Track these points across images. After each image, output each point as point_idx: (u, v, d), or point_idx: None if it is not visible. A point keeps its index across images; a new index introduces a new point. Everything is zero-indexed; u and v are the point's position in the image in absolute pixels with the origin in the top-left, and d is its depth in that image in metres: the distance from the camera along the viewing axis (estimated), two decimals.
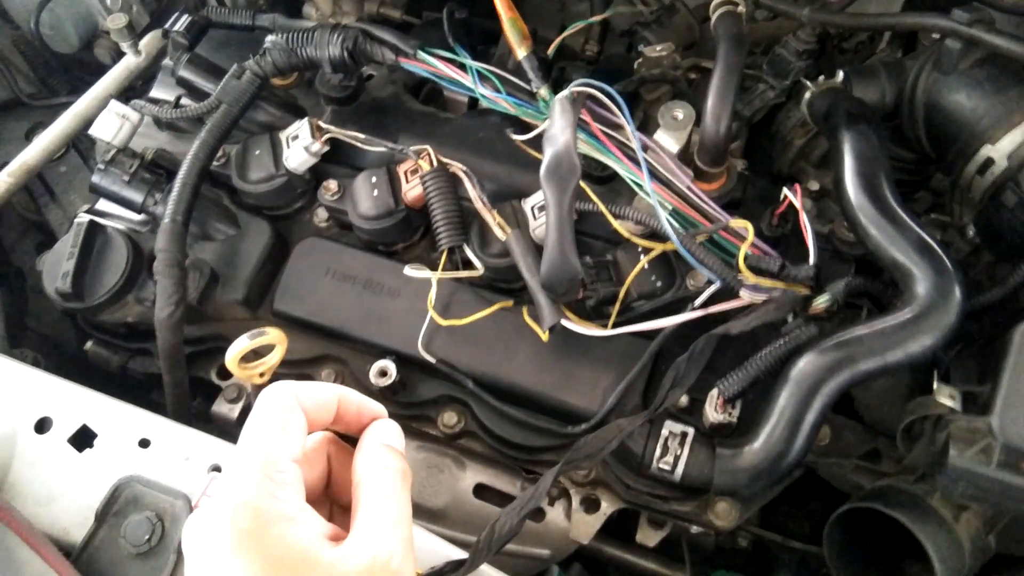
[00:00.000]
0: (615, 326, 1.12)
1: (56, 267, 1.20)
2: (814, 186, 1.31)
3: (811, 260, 1.07)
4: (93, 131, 1.26)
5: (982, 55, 1.17)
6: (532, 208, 1.20)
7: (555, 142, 1.05)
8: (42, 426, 1.00)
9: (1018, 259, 1.13)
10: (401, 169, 1.25)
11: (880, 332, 1.00)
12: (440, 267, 1.18)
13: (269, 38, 1.31)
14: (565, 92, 1.11)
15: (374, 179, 1.23)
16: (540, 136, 1.15)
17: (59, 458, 0.98)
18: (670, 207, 1.14)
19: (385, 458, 0.65)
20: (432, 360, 1.17)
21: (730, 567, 1.31)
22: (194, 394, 1.25)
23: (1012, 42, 1.09)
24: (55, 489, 0.97)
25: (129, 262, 1.21)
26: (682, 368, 1.05)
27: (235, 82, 1.27)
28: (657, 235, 1.13)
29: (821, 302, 1.06)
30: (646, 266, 1.15)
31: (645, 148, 1.16)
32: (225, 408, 1.24)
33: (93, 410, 1.01)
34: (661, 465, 1.06)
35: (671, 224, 1.08)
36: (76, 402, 1.02)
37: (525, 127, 1.26)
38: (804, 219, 1.08)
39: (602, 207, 1.14)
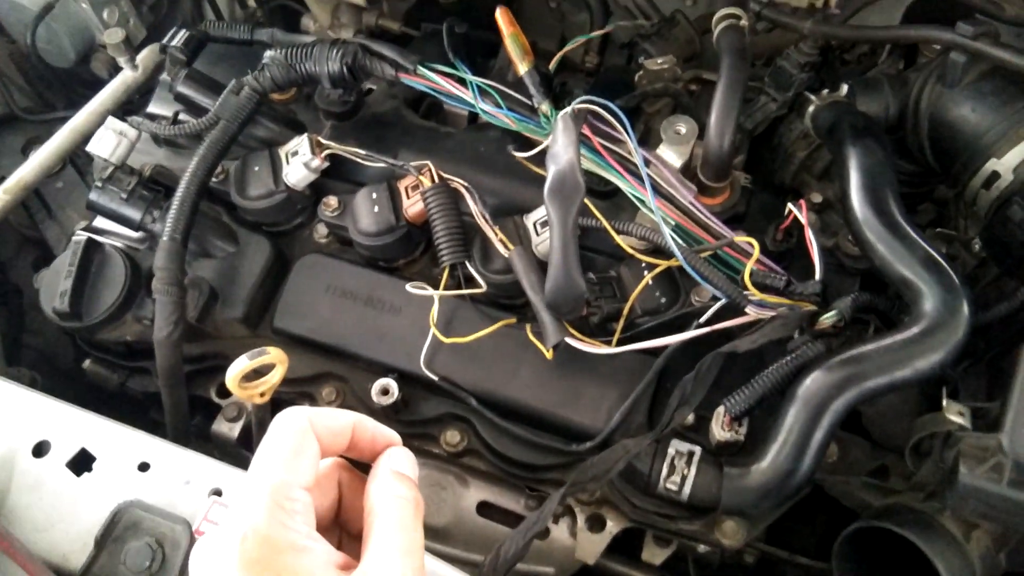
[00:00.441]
0: (620, 343, 1.11)
1: (54, 286, 1.19)
2: (817, 198, 1.30)
3: (817, 276, 1.06)
4: (90, 148, 1.25)
5: (987, 68, 1.16)
6: (535, 224, 1.19)
7: (558, 160, 1.04)
8: (40, 450, 0.98)
9: None
10: (402, 185, 1.24)
11: (888, 349, 0.99)
12: (442, 284, 1.17)
13: (268, 53, 1.30)
14: (567, 109, 1.11)
15: (375, 195, 1.22)
16: (542, 153, 1.14)
17: (58, 482, 0.97)
18: (673, 223, 1.13)
19: (397, 487, 0.64)
20: (435, 378, 1.16)
21: None
22: (193, 412, 1.24)
23: (1017, 55, 1.09)
24: (54, 514, 0.95)
25: (127, 280, 1.20)
26: (689, 387, 1.04)
27: (233, 98, 1.26)
28: (660, 251, 1.12)
29: (828, 319, 1.05)
30: (650, 282, 1.14)
31: (647, 163, 1.15)
32: (225, 427, 1.22)
33: (92, 433, 0.99)
34: (668, 485, 1.05)
35: (675, 240, 1.07)
36: (74, 425, 1.00)
37: (526, 142, 1.25)
38: (810, 235, 1.07)
39: (605, 223, 1.14)
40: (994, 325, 1.12)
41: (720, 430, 1.06)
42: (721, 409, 1.06)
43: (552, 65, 1.36)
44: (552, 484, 1.17)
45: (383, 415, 1.17)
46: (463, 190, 1.21)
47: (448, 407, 1.19)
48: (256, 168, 1.28)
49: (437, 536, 1.21)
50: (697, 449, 1.06)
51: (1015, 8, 1.23)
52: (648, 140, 1.33)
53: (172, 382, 1.15)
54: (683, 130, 1.20)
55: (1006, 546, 1.00)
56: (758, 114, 1.38)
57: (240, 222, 1.31)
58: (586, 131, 1.16)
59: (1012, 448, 0.91)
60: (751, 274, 1.05)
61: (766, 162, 1.42)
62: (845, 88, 1.27)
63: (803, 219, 1.08)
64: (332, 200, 1.26)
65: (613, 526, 1.14)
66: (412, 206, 1.22)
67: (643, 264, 1.16)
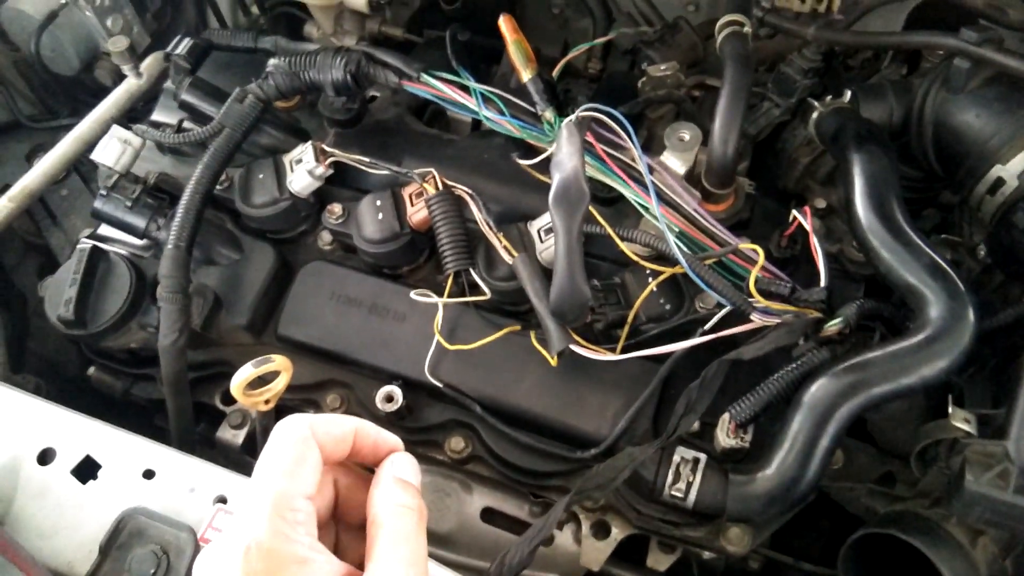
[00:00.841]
0: (624, 350, 1.11)
1: (58, 293, 1.19)
2: (821, 204, 1.30)
3: (822, 283, 1.06)
4: (95, 156, 1.25)
5: (991, 74, 1.16)
6: (539, 231, 1.19)
7: (563, 168, 1.04)
8: (45, 457, 0.98)
9: None
10: (406, 192, 1.24)
11: (893, 356, 0.99)
12: (446, 291, 1.17)
13: (271, 61, 1.30)
14: (571, 117, 1.11)
15: (379, 202, 1.22)
16: (546, 160, 1.14)
17: (63, 490, 0.96)
18: (677, 229, 1.13)
19: (400, 495, 0.64)
20: (439, 385, 1.16)
21: None
22: (198, 420, 1.24)
23: (1021, 61, 1.09)
24: (59, 522, 0.95)
25: (132, 288, 1.21)
26: (694, 394, 1.04)
27: (238, 105, 1.26)
28: (665, 257, 1.12)
29: (833, 325, 1.05)
30: (655, 289, 1.14)
31: (651, 170, 1.15)
32: (229, 434, 1.22)
33: (96, 440, 0.99)
34: (673, 492, 1.05)
35: (679, 247, 1.07)
36: (79, 432, 1.00)
37: (530, 149, 1.25)
38: (815, 242, 1.07)
39: (609, 230, 1.14)
40: (999, 331, 1.12)
41: (725, 437, 1.06)
42: (726, 416, 1.06)
43: (555, 72, 1.36)
44: (557, 491, 1.17)
45: (387, 422, 1.17)
46: (467, 197, 1.21)
47: (452, 414, 1.19)
48: (260, 176, 1.28)
49: (441, 542, 1.20)
50: (702, 456, 1.06)
51: (1018, 13, 1.23)
52: (652, 146, 1.33)
53: (177, 389, 1.15)
54: (687, 137, 1.20)
55: (1012, 552, 1.00)
56: (762, 120, 1.38)
57: (244, 229, 1.32)
58: (590, 138, 1.16)
59: (1018, 455, 0.91)
60: (756, 281, 1.05)
61: (770, 168, 1.42)
62: (848, 94, 1.27)
63: (807, 225, 1.08)
64: (336, 207, 1.27)
65: (618, 533, 1.14)
66: (416, 213, 1.22)
67: (647, 271, 1.16)
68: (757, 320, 1.07)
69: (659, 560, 1.17)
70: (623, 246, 1.14)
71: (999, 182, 1.13)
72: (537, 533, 0.92)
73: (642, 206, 1.15)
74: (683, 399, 1.04)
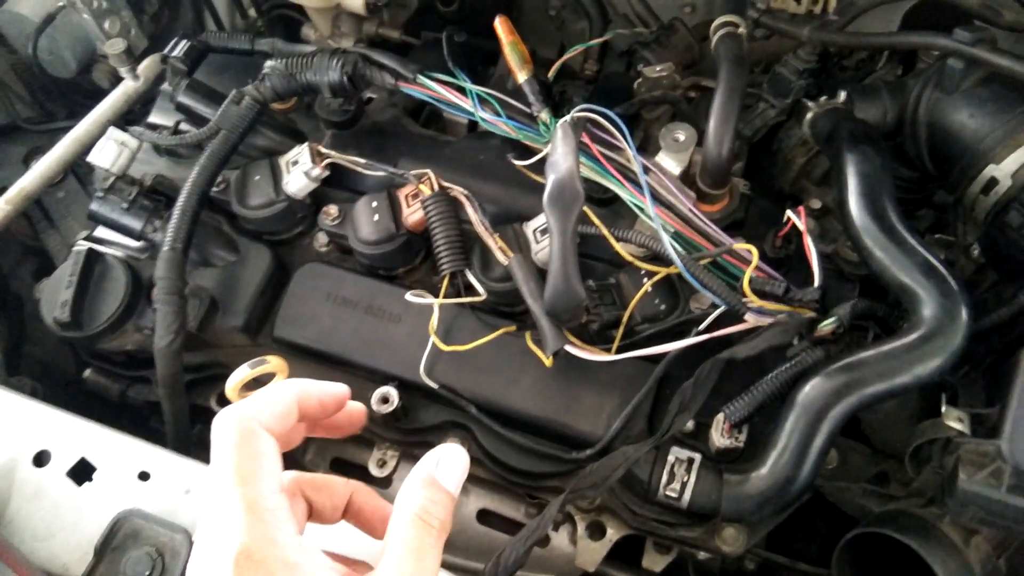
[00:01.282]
0: (619, 350, 1.11)
1: (54, 295, 1.19)
2: (816, 204, 1.30)
3: (816, 283, 1.06)
4: (91, 158, 1.25)
5: (985, 74, 1.16)
6: (534, 231, 1.19)
7: (558, 168, 1.04)
8: (41, 459, 0.99)
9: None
10: (402, 193, 1.24)
11: (887, 355, 0.99)
12: (442, 292, 1.17)
13: (268, 63, 1.31)
14: (567, 118, 1.11)
15: (375, 204, 1.23)
16: (542, 161, 1.14)
17: (58, 492, 0.97)
18: (672, 230, 1.13)
19: (425, 504, 0.60)
20: (434, 386, 1.16)
21: None
22: (194, 421, 1.24)
23: (1015, 61, 1.09)
24: (54, 524, 0.95)
25: (128, 290, 1.20)
26: (688, 393, 1.04)
27: (234, 108, 1.27)
28: (660, 258, 1.12)
29: (827, 325, 1.05)
30: (650, 290, 1.14)
31: (646, 170, 1.15)
32: None
33: (92, 442, 1.00)
34: (668, 492, 1.05)
35: (674, 247, 1.07)
36: (75, 434, 1.00)
37: (526, 150, 1.25)
38: (809, 242, 1.07)
39: (604, 230, 1.14)
40: (993, 331, 1.12)
41: (720, 437, 1.06)
42: (721, 416, 1.06)
43: (551, 73, 1.36)
44: (552, 492, 1.17)
45: (383, 423, 1.17)
46: (463, 198, 1.21)
47: (448, 415, 1.19)
48: (256, 177, 1.28)
49: None
50: (697, 456, 1.06)
51: (1013, 14, 1.24)
52: (647, 147, 1.34)
53: (172, 391, 1.15)
54: (682, 137, 1.20)
55: (1006, 552, 1.00)
56: (757, 121, 1.38)
57: (240, 231, 1.32)
58: (585, 139, 1.16)
59: (1011, 454, 0.91)
60: (750, 281, 1.05)
61: (765, 168, 1.42)
62: (843, 95, 1.27)
63: (801, 226, 1.09)
64: (332, 209, 1.27)
65: (613, 533, 1.14)
66: (412, 214, 1.22)
67: (642, 271, 1.16)
68: (751, 320, 1.07)
69: (655, 561, 1.17)
70: (618, 247, 1.14)
71: (992, 182, 1.13)
72: (532, 533, 0.92)
73: (637, 207, 1.15)
74: (677, 398, 1.04)
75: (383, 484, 1.19)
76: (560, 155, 1.05)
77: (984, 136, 1.14)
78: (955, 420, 0.99)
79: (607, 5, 1.68)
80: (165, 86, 1.44)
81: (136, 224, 1.25)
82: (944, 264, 1.02)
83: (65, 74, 1.68)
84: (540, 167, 1.13)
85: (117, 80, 1.52)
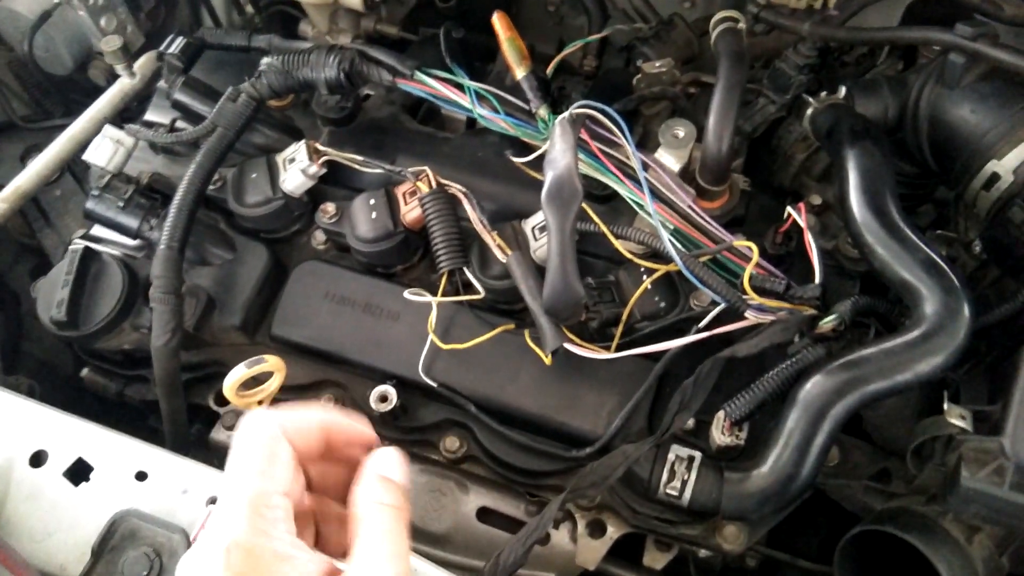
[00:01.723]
0: (619, 348, 1.11)
1: (51, 295, 1.19)
2: (816, 200, 1.30)
3: (817, 279, 1.05)
4: (87, 157, 1.25)
5: (986, 69, 1.16)
6: (533, 229, 1.18)
7: (556, 165, 1.03)
8: (38, 459, 0.98)
9: None
10: (400, 191, 1.24)
11: (888, 353, 0.99)
12: (440, 290, 1.17)
13: (265, 60, 1.30)
14: (565, 114, 1.10)
15: (372, 201, 1.22)
16: (540, 157, 1.13)
17: (55, 492, 0.96)
18: (672, 227, 1.13)
19: (382, 493, 0.63)
20: (433, 384, 1.16)
21: None
22: (192, 420, 1.24)
23: (1016, 56, 1.08)
24: (51, 524, 0.95)
25: (124, 289, 1.20)
26: (688, 392, 1.03)
27: (230, 105, 1.26)
28: (659, 255, 1.12)
29: (828, 322, 1.04)
30: (649, 287, 1.14)
31: (646, 167, 1.15)
32: (223, 435, 1.22)
33: (89, 442, 0.99)
34: (668, 490, 1.04)
35: (674, 244, 1.07)
36: (72, 434, 1.00)
37: (524, 147, 1.25)
38: (809, 239, 1.06)
39: (603, 227, 1.13)
40: (995, 327, 1.12)
41: (720, 435, 1.06)
42: (721, 414, 1.06)
43: (550, 69, 1.36)
44: (552, 490, 1.17)
45: (382, 422, 1.17)
46: (461, 195, 1.21)
47: (447, 413, 1.19)
48: (253, 175, 1.27)
49: (437, 542, 1.20)
50: (697, 454, 1.06)
51: (1013, 8, 1.23)
52: (647, 143, 1.33)
53: (170, 390, 1.14)
54: (681, 134, 1.19)
55: (1009, 549, 0.99)
56: (757, 116, 1.37)
57: (238, 229, 1.31)
58: (584, 135, 1.15)
59: (1014, 451, 0.90)
60: (750, 278, 1.05)
61: (766, 164, 1.41)
62: (844, 90, 1.26)
63: (802, 222, 1.08)
64: (330, 207, 1.26)
65: (613, 531, 1.14)
66: (410, 212, 1.21)
67: (642, 268, 1.15)
68: (752, 317, 1.06)
69: (655, 558, 1.17)
70: (617, 244, 1.13)
71: (994, 177, 1.13)
72: (531, 532, 0.92)
73: (636, 203, 1.14)
74: (677, 397, 1.04)
75: None
76: (558, 152, 1.05)
77: (986, 132, 1.14)
78: (957, 417, 0.98)
79: (606, 0, 1.67)
80: (161, 83, 1.43)
81: (132, 222, 1.24)
82: (946, 261, 1.02)
83: (61, 71, 1.67)
84: (539, 164, 1.12)
85: (113, 77, 1.51)
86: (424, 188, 1.21)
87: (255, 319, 1.26)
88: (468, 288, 1.18)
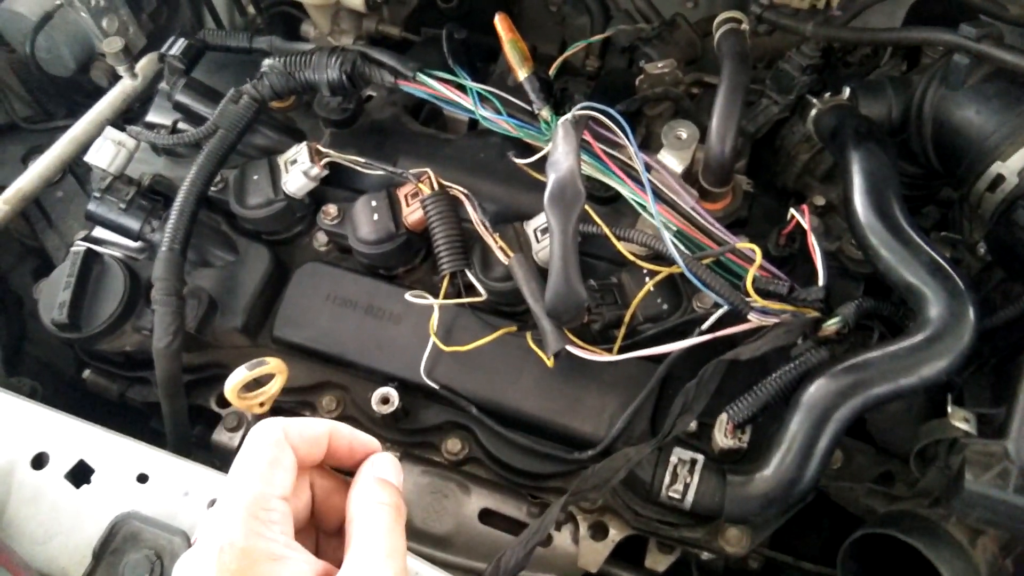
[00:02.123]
0: (621, 350, 1.10)
1: (52, 297, 1.19)
2: (820, 201, 1.29)
3: (820, 282, 1.05)
4: (89, 158, 1.25)
5: (990, 70, 1.15)
6: (535, 231, 1.18)
7: (558, 168, 1.03)
8: (39, 461, 0.98)
9: None
10: (401, 192, 1.23)
11: (893, 356, 0.98)
12: (442, 292, 1.17)
13: (266, 62, 1.30)
14: (568, 116, 1.10)
15: (374, 203, 1.22)
16: (543, 159, 1.13)
17: (57, 495, 0.96)
18: (675, 228, 1.12)
19: (378, 493, 0.64)
20: (435, 386, 1.16)
21: None
22: (194, 422, 1.23)
23: (1021, 57, 1.08)
24: (52, 527, 0.94)
25: (126, 291, 1.20)
26: (691, 394, 1.03)
27: (232, 106, 1.26)
28: (662, 257, 1.11)
29: (831, 325, 1.04)
30: (652, 289, 1.13)
31: (649, 168, 1.14)
32: (225, 437, 1.22)
33: (90, 444, 0.99)
34: (671, 493, 1.04)
35: (677, 246, 1.06)
36: (73, 436, 1.00)
37: (527, 148, 1.24)
38: (813, 241, 1.06)
39: (606, 229, 1.13)
40: (1000, 330, 1.11)
41: (723, 437, 1.06)
42: (724, 416, 1.06)
43: (552, 70, 1.35)
44: (554, 492, 1.16)
45: (383, 424, 1.17)
46: (463, 197, 1.21)
47: (449, 415, 1.18)
48: (255, 177, 1.27)
49: (439, 544, 1.20)
50: (700, 457, 1.05)
51: (1018, 8, 1.22)
52: (650, 144, 1.33)
53: (172, 392, 1.14)
54: (684, 135, 1.19)
55: (1012, 552, 0.99)
56: (760, 117, 1.37)
57: (239, 231, 1.31)
58: (587, 136, 1.15)
59: (1018, 454, 0.90)
60: (753, 280, 1.04)
61: (769, 165, 1.41)
62: (847, 91, 1.26)
63: (805, 224, 1.08)
64: (331, 208, 1.26)
65: (616, 534, 1.14)
66: (411, 214, 1.21)
67: (645, 271, 1.15)
68: (755, 320, 1.06)
69: (658, 561, 1.16)
70: (620, 246, 1.13)
71: (999, 179, 1.12)
72: (533, 535, 0.92)
73: (639, 205, 1.14)
74: (680, 399, 1.03)
75: None
76: (561, 154, 1.04)
77: (990, 133, 1.13)
78: (961, 420, 0.98)
79: (609, 1, 1.66)
80: (163, 85, 1.43)
81: (134, 224, 1.24)
82: (951, 263, 1.01)
83: (64, 73, 1.67)
84: (541, 165, 1.12)
85: (116, 78, 1.51)
86: (426, 190, 1.20)
87: (257, 321, 1.26)
88: (470, 290, 1.18)
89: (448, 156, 1.32)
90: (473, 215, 1.19)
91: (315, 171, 1.25)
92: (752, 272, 1.03)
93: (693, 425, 1.10)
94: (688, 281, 1.08)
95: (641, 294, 1.13)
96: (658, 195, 1.13)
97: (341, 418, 1.18)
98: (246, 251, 1.29)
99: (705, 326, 1.08)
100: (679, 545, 1.14)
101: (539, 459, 1.14)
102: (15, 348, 1.48)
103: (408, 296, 1.17)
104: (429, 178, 1.21)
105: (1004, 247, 1.17)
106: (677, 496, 1.04)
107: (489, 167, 1.30)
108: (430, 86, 1.25)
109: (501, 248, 1.15)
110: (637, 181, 1.14)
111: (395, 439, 1.19)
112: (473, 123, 1.41)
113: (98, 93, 1.51)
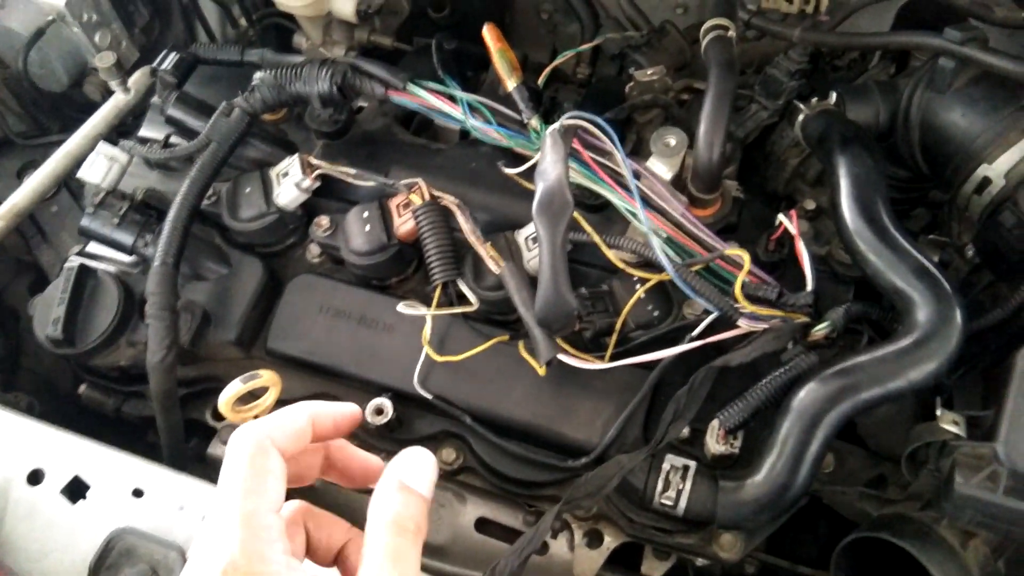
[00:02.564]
0: (613, 358, 1.11)
1: (46, 312, 1.19)
2: (810, 205, 1.30)
3: (809, 287, 1.06)
4: (82, 174, 1.25)
5: (976, 73, 1.16)
6: (526, 239, 1.18)
7: (547, 176, 1.04)
8: (35, 478, 0.99)
9: (1018, 279, 1.11)
10: (393, 203, 1.24)
11: (881, 360, 0.99)
12: (434, 302, 1.17)
13: (257, 75, 1.30)
14: (556, 125, 1.10)
15: (366, 214, 1.22)
16: (533, 168, 1.13)
17: (52, 511, 0.97)
18: (664, 235, 1.13)
19: (400, 508, 0.61)
20: (429, 396, 1.16)
21: None
22: (191, 436, 1.24)
23: (1006, 60, 1.08)
24: (48, 543, 0.95)
25: (120, 306, 1.21)
26: (682, 401, 1.03)
27: (224, 120, 1.26)
28: (652, 264, 1.12)
29: (820, 329, 1.05)
30: (643, 296, 1.14)
31: (638, 175, 1.15)
32: (220, 450, 1.22)
33: (86, 460, 1.00)
34: (663, 500, 1.04)
35: (666, 254, 1.07)
36: (69, 452, 1.00)
37: (517, 157, 1.25)
38: (800, 246, 1.06)
39: (596, 237, 1.13)
40: (988, 332, 1.12)
41: (715, 443, 1.06)
42: (715, 422, 1.06)
43: (542, 78, 1.36)
44: (549, 500, 1.17)
45: (378, 434, 1.17)
46: (454, 207, 1.21)
47: (443, 425, 1.19)
48: (247, 190, 1.28)
49: (436, 553, 1.20)
50: (692, 463, 1.06)
51: (1004, 10, 1.23)
52: (640, 151, 1.33)
53: (166, 407, 1.15)
54: (672, 142, 1.19)
55: (1004, 554, 0.99)
56: (749, 123, 1.38)
57: (232, 244, 1.31)
58: (576, 144, 1.15)
59: (1007, 456, 0.90)
60: (743, 286, 1.05)
61: (759, 170, 1.41)
62: (834, 96, 1.26)
63: (793, 230, 1.08)
64: (324, 220, 1.26)
65: (611, 541, 1.14)
66: (403, 224, 1.21)
67: (635, 278, 1.16)
68: (745, 325, 1.06)
69: (654, 567, 1.17)
70: (610, 254, 1.14)
71: (985, 181, 1.13)
72: (527, 544, 0.92)
73: (629, 212, 1.14)
74: (671, 406, 1.04)
75: None
76: (549, 163, 1.05)
77: (976, 135, 1.14)
78: (951, 423, 0.98)
79: (598, 8, 1.67)
80: (155, 99, 1.44)
81: (127, 239, 1.24)
82: (938, 267, 1.02)
83: (57, 88, 1.68)
84: (531, 174, 1.12)
85: (109, 93, 1.52)
86: (417, 200, 1.21)
87: (251, 333, 1.26)
88: (462, 300, 1.19)
89: (439, 166, 1.33)
90: (464, 225, 1.19)
91: (307, 183, 1.25)
92: (740, 278, 1.04)
93: (686, 431, 1.10)
94: (678, 288, 1.08)
95: (632, 301, 1.14)
96: (647, 202, 1.14)
97: None
98: (239, 264, 1.29)
99: (695, 332, 1.09)
100: (674, 551, 1.14)
101: (533, 467, 1.15)
102: (12, 363, 1.49)
103: (400, 307, 1.17)
104: (420, 188, 1.21)
105: (991, 249, 1.17)
106: (670, 503, 1.04)
107: (481, 176, 1.30)
108: (420, 96, 1.26)
109: (492, 257, 1.15)
110: (626, 188, 1.14)
111: (389, 449, 1.19)
112: (465, 132, 1.42)
113: (91, 108, 1.51)
